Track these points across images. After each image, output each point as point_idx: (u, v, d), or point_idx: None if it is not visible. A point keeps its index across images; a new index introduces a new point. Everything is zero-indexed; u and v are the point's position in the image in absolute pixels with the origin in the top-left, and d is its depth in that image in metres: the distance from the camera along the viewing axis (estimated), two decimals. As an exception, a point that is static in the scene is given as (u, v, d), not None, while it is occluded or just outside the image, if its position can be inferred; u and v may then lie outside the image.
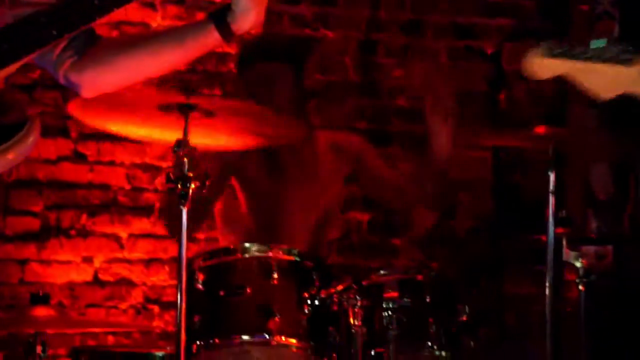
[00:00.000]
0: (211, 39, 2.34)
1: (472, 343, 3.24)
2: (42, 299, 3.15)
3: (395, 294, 3.03)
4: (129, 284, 4.77)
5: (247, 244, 3.15)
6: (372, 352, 3.11)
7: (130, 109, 2.99)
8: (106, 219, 4.77)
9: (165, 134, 2.98)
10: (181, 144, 2.87)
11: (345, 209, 4.78)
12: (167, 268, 4.80)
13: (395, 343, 3.01)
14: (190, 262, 3.07)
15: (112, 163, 4.78)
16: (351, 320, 3.00)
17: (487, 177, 5.11)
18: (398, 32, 5.15)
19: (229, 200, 3.88)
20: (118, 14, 4.92)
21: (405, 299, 3.05)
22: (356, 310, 2.99)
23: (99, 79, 2.43)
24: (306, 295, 3.07)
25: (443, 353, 3.17)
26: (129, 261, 4.77)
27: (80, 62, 2.41)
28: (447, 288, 3.28)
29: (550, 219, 3.37)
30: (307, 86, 3.91)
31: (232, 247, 3.17)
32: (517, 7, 5.25)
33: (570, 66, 1.95)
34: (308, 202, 3.85)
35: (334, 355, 3.09)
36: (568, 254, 3.65)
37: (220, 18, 2.30)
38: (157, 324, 4.76)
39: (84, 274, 4.72)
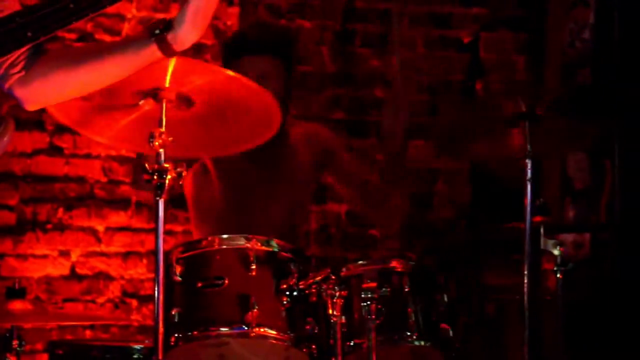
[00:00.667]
0: (151, 55, 2.36)
1: (451, 332, 3.23)
2: (18, 293, 3.12)
3: (373, 284, 3.02)
4: (106, 277, 4.75)
5: (225, 235, 3.13)
6: (352, 343, 3.11)
7: (106, 99, 2.94)
8: (83, 213, 4.74)
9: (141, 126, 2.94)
10: (156, 135, 2.83)
11: (322, 200, 4.79)
12: (144, 261, 4.78)
13: (374, 333, 2.99)
14: (167, 254, 3.05)
15: (88, 156, 4.76)
16: (330, 311, 2.99)
17: (464, 166, 5.12)
18: (375, 21, 5.14)
19: (203, 189, 3.86)
20: (92, 5, 4.91)
21: (384, 289, 3.03)
22: (335, 300, 2.98)
23: (40, 94, 2.47)
24: (285, 286, 3.05)
25: (422, 342, 3.17)
26: (106, 255, 4.75)
27: (25, 77, 2.42)
28: (426, 278, 3.27)
29: (528, 207, 3.37)
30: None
31: (209, 238, 3.14)
32: (492, -4, 5.26)
33: None
34: (280, 191, 3.85)
35: (313, 346, 3.08)
36: (546, 243, 3.65)
37: (161, 35, 2.30)
38: (135, 317, 4.74)
39: (61, 268, 4.70)
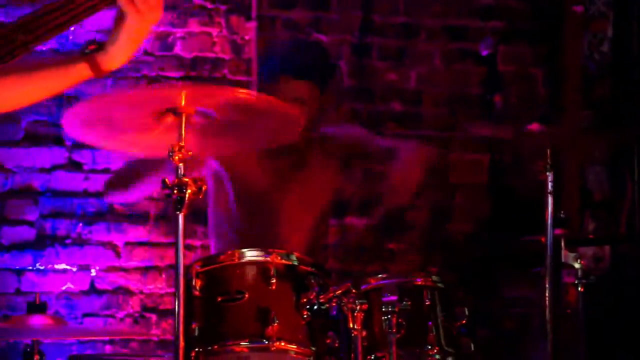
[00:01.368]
0: (81, 73, 2.42)
1: (472, 346, 3.22)
2: (39, 308, 3.13)
3: (394, 298, 3.01)
4: (126, 292, 4.75)
5: (244, 249, 3.12)
6: (372, 357, 3.10)
7: (125, 117, 2.95)
8: (102, 227, 4.75)
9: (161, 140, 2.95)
10: (176, 149, 2.84)
11: (341, 214, 4.78)
12: (164, 276, 4.79)
13: (395, 347, 2.98)
14: (187, 268, 3.05)
15: (107, 171, 4.76)
16: (351, 325, 2.98)
17: (483, 180, 5.11)
18: (392, 35, 5.14)
19: (221, 202, 3.87)
20: (109, 20, 4.93)
21: (405, 303, 3.02)
22: (356, 314, 2.97)
23: None
24: (305, 300, 3.04)
25: (443, 356, 3.16)
26: (125, 269, 4.76)
27: None
28: (446, 291, 3.26)
29: (549, 220, 3.36)
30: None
31: (229, 252, 3.14)
32: (510, 9, 5.25)
33: None
34: (303, 204, 3.84)
35: (334, 360, 3.08)
36: (567, 256, 3.64)
37: (91, 55, 2.33)
38: (154, 332, 4.74)
39: (80, 283, 4.71)
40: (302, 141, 3.80)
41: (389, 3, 5.15)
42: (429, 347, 3.14)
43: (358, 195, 4.06)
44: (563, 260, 3.63)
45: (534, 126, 3.45)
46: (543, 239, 3.45)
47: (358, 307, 2.97)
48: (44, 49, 4.60)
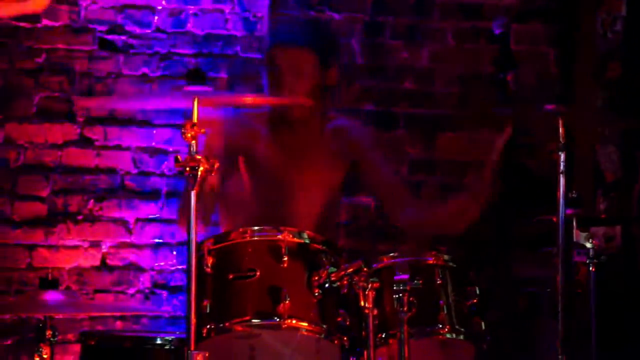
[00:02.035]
0: None
1: (482, 325, 3.23)
2: (51, 284, 3.13)
3: (406, 277, 3.01)
4: (137, 268, 4.77)
5: (256, 227, 3.12)
6: (383, 335, 3.10)
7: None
8: (113, 204, 4.76)
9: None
10: (188, 127, 2.84)
11: (352, 192, 4.77)
12: (175, 252, 4.80)
13: (406, 325, 2.99)
14: (199, 245, 3.05)
15: (118, 147, 4.77)
16: (362, 303, 2.98)
17: (495, 159, 5.09)
18: (404, 13, 5.12)
19: (233, 181, 3.86)
20: (123, -3, 4.92)
21: (416, 282, 3.02)
22: (367, 293, 2.97)
23: None
24: (316, 278, 3.05)
25: (454, 335, 3.17)
26: (136, 246, 4.77)
27: None
28: (457, 270, 3.26)
29: (561, 200, 3.34)
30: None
31: (241, 230, 3.13)
32: (523, -13, 5.23)
33: None
34: (314, 183, 3.84)
35: (345, 338, 3.08)
36: (578, 235, 3.63)
37: None
38: (165, 308, 4.75)
39: (91, 259, 4.72)
40: (314, 118, 3.79)
41: (402, -20, 5.14)
42: (440, 326, 3.16)
43: None
44: (575, 239, 3.62)
45: (547, 107, 3.44)
46: (554, 219, 3.44)
47: (369, 286, 2.97)
48: (56, 24, 4.61)
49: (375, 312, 3.00)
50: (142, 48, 4.82)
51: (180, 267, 4.77)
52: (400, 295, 2.99)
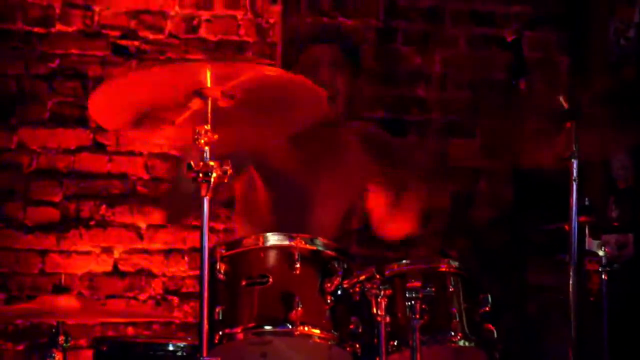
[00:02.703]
0: None
1: (495, 333, 3.22)
2: (64, 289, 3.14)
3: (418, 284, 3.01)
4: (148, 274, 4.77)
5: (269, 234, 3.12)
6: (395, 342, 3.10)
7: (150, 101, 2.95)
8: (125, 210, 4.77)
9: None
10: (202, 132, 2.83)
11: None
12: (186, 258, 4.80)
13: (418, 333, 2.98)
14: (211, 252, 3.05)
15: (131, 153, 4.78)
16: (374, 310, 2.98)
17: (507, 166, 5.09)
18: (417, 19, 5.12)
19: (248, 189, 3.86)
20: (137, 3, 4.96)
21: (428, 289, 3.02)
22: (379, 300, 2.96)
23: None
24: (329, 285, 3.04)
25: (466, 343, 3.16)
26: (148, 252, 4.78)
27: None
28: (470, 278, 3.26)
29: (574, 208, 3.33)
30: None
31: (254, 236, 3.13)
32: (536, -6, 5.23)
33: None
34: (334, 192, 3.84)
35: (357, 345, 3.08)
36: (591, 243, 3.62)
37: None
38: (176, 314, 4.76)
39: (103, 265, 4.73)
40: (334, 126, 3.79)
41: (415, -13, 5.14)
42: (452, 333, 3.15)
43: None
44: (587, 247, 3.61)
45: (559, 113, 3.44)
46: (567, 226, 3.43)
47: (382, 293, 2.96)
48: (70, 30, 4.63)
49: (388, 319, 3.00)
50: (155, 53, 4.83)
51: (191, 273, 4.77)
52: (413, 302, 2.99)
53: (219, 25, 4.89)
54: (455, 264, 3.23)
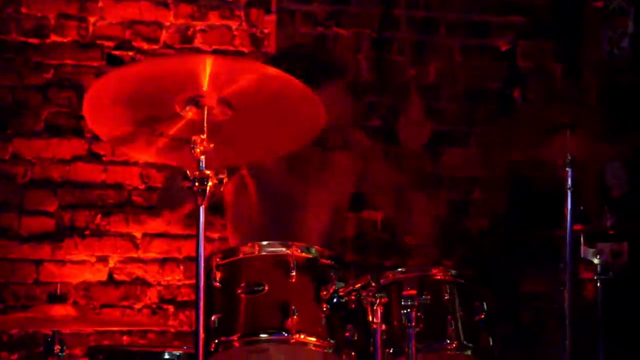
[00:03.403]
0: None
1: (490, 340, 3.23)
2: (59, 298, 3.14)
3: (413, 292, 3.01)
4: (143, 283, 4.77)
5: (264, 242, 3.13)
6: (391, 350, 3.10)
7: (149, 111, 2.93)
8: (121, 219, 4.77)
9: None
10: (197, 141, 2.83)
11: (358, 207, 4.78)
12: (181, 267, 4.80)
13: (414, 341, 2.99)
14: (207, 260, 3.05)
15: (126, 163, 4.78)
16: (370, 318, 2.98)
17: (501, 174, 5.10)
18: (411, 29, 5.14)
19: (241, 196, 3.87)
20: (132, 14, 4.97)
21: (424, 297, 3.03)
22: (375, 308, 2.97)
23: None
24: (324, 293, 3.05)
25: (462, 351, 3.17)
26: (143, 261, 4.78)
27: None
28: (465, 286, 3.26)
29: (568, 216, 3.35)
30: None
31: (249, 245, 3.14)
32: (530, 4, 5.24)
33: None
34: (320, 199, 3.85)
35: (353, 353, 3.08)
36: (586, 251, 3.63)
37: None
38: (172, 323, 4.75)
39: (98, 274, 4.73)
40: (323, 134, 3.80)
41: (409, -3, 5.16)
42: (448, 341, 3.15)
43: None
44: (582, 255, 3.62)
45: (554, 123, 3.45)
46: (561, 234, 3.45)
47: (377, 301, 2.97)
48: (64, 40, 4.63)
49: (384, 327, 3.00)
50: (150, 64, 4.83)
51: (187, 282, 4.77)
52: (409, 310, 2.99)
53: (213, 35, 4.90)
54: (450, 272, 3.24)
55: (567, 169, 3.40)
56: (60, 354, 3.12)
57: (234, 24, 4.93)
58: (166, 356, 3.37)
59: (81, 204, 4.74)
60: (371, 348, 3.00)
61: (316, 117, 2.96)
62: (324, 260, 3.12)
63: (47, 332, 3.20)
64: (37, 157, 4.71)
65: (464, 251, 4.99)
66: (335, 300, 3.06)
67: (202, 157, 2.82)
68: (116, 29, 4.81)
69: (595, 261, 3.67)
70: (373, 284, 2.99)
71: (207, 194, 2.80)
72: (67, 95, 4.74)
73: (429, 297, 3.04)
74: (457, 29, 5.18)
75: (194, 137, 2.82)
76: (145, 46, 4.84)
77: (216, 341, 3.03)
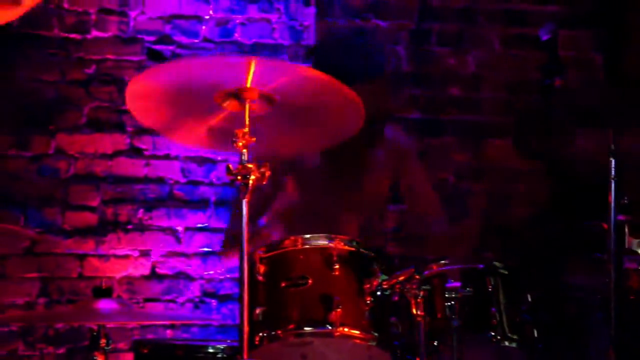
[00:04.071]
0: None
1: (535, 332, 3.21)
2: (105, 292, 3.15)
3: (457, 284, 3.01)
4: (186, 277, 4.79)
5: (307, 235, 3.13)
6: (435, 343, 3.10)
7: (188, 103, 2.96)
8: (162, 213, 4.79)
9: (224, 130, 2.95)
10: (240, 135, 2.84)
11: (399, 200, 4.76)
12: (223, 261, 4.81)
13: (458, 333, 2.98)
14: (251, 254, 3.07)
15: (167, 157, 4.80)
16: (414, 311, 2.98)
17: (542, 165, 5.07)
18: (450, 20, 5.12)
19: (281, 192, 3.88)
20: (171, 8, 4.98)
21: (467, 289, 3.02)
22: (418, 300, 2.97)
23: None
24: (368, 285, 3.05)
25: (506, 342, 3.15)
26: (185, 255, 4.79)
27: None
28: (509, 277, 3.25)
29: (612, 206, 3.32)
30: None
31: (292, 238, 3.15)
32: (570, -8, 5.21)
33: None
34: (358, 193, 3.85)
35: (397, 345, 3.08)
36: (630, 242, 3.60)
37: None
38: (215, 317, 4.77)
39: (141, 268, 4.75)
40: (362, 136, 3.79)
41: (448, -13, 5.14)
42: (492, 333, 3.14)
43: None
44: (627, 246, 3.59)
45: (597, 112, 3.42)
46: (605, 225, 3.42)
47: (421, 293, 2.97)
48: (105, 35, 4.65)
49: (427, 319, 3.00)
50: (189, 58, 4.85)
51: (229, 275, 4.78)
52: (452, 302, 2.99)
53: (253, 28, 4.91)
54: (494, 263, 3.23)
55: (610, 158, 3.37)
56: (106, 348, 3.13)
57: (273, 17, 4.93)
58: (210, 350, 3.38)
59: (123, 199, 4.77)
60: (415, 340, 3.00)
61: (355, 114, 2.98)
62: (367, 253, 3.12)
63: (93, 326, 3.21)
64: (79, 151, 4.74)
65: (506, 243, 4.96)
66: (378, 293, 3.06)
67: (245, 150, 2.83)
68: (156, 23, 4.83)
69: (640, 252, 3.63)
70: (417, 277, 2.99)
71: (250, 188, 2.81)
72: (109, 90, 4.76)
73: (472, 289, 3.03)
74: (496, 18, 5.15)
75: (236, 131, 2.83)
76: (185, 40, 4.85)
77: (260, 334, 3.03)
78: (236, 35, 4.89)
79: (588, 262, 4.52)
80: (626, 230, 3.58)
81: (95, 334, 3.12)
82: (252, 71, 2.83)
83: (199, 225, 4.81)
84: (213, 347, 3.40)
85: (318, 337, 3.03)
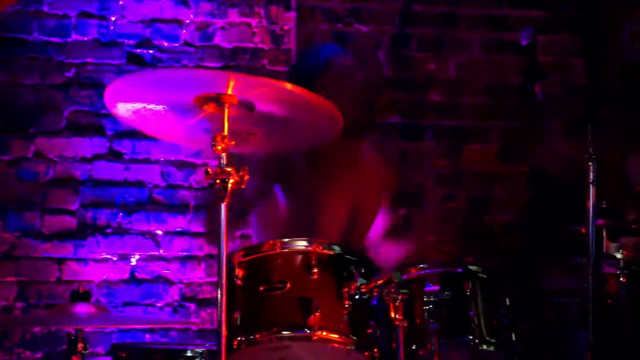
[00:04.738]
0: None
1: (513, 336, 3.22)
2: (83, 296, 3.14)
3: (435, 288, 3.01)
4: (165, 281, 4.78)
5: (286, 239, 3.13)
6: (414, 346, 3.10)
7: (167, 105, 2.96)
8: (142, 217, 4.78)
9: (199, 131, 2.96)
10: (219, 139, 2.84)
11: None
12: (203, 265, 4.81)
13: (436, 337, 2.98)
14: (229, 257, 3.06)
15: (147, 161, 4.79)
16: (392, 315, 2.98)
17: (523, 169, 5.09)
18: (431, 25, 5.13)
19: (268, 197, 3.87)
20: (152, 11, 4.98)
21: (446, 293, 3.02)
22: (397, 304, 2.97)
23: None
24: (346, 289, 3.05)
25: (484, 346, 3.15)
26: (165, 259, 4.79)
27: None
28: (487, 281, 3.25)
29: (591, 211, 3.33)
30: None
31: (271, 242, 3.14)
32: (550, -2, 5.23)
33: None
34: (341, 197, 3.85)
35: (375, 349, 3.08)
36: (609, 246, 3.62)
37: None
38: (194, 321, 4.76)
39: (120, 272, 4.74)
40: (352, 138, 3.80)
41: (429, -8, 5.15)
42: (471, 337, 3.14)
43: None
44: (605, 250, 3.61)
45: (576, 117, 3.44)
46: (583, 230, 3.43)
47: (400, 297, 2.96)
48: (85, 39, 4.64)
49: (406, 323, 3.00)
50: (170, 62, 4.85)
51: (208, 279, 4.78)
52: (431, 306, 2.99)
53: (234, 32, 4.91)
54: (472, 267, 3.23)
55: (589, 163, 3.38)
56: (83, 352, 3.12)
57: (253, 21, 4.93)
58: (188, 353, 3.37)
59: (103, 203, 4.76)
60: (393, 344, 3.00)
61: (333, 123, 2.99)
62: (345, 257, 3.12)
63: (70, 330, 3.20)
64: (59, 155, 4.73)
65: (486, 247, 4.98)
66: (357, 297, 3.05)
67: (224, 154, 2.83)
68: (137, 27, 4.82)
69: (618, 256, 3.65)
70: (395, 281, 2.98)
71: (229, 192, 2.81)
72: (88, 93, 4.75)
73: (450, 293, 3.03)
74: (476, 23, 5.17)
75: (214, 135, 2.83)
76: (166, 44, 4.85)
77: (239, 338, 3.02)
78: (217, 39, 4.89)
79: (566, 267, 4.54)
80: (604, 234, 3.59)
81: (73, 338, 3.11)
82: (231, 84, 2.85)
83: (179, 230, 4.81)
84: (192, 351, 3.38)
85: (296, 341, 3.02)
